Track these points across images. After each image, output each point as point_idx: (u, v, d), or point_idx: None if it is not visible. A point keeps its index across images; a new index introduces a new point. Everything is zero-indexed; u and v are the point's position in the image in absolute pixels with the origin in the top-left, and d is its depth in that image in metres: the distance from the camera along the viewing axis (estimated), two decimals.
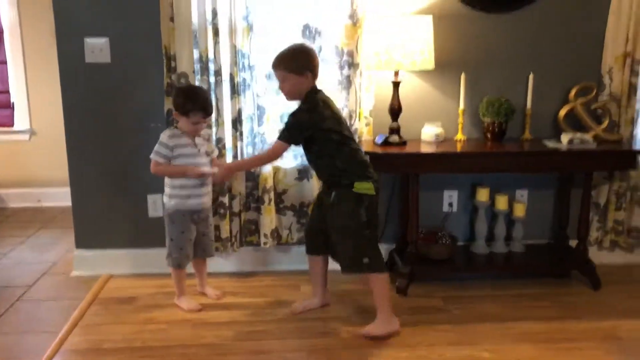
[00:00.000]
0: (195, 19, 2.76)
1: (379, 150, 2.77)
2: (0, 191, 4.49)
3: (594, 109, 2.96)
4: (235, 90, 2.83)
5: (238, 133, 2.88)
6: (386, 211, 3.08)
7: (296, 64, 2.36)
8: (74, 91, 2.90)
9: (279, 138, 2.41)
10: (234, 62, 2.80)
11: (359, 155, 2.43)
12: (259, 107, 2.92)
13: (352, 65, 2.84)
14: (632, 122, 2.99)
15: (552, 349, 2.33)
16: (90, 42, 2.83)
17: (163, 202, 2.67)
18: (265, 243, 3.00)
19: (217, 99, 2.82)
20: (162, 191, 2.68)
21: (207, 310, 2.67)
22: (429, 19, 2.77)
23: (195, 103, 2.49)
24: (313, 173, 2.92)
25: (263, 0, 2.82)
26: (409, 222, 2.85)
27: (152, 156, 2.55)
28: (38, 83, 4.33)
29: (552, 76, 3.00)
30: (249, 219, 3.03)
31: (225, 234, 2.95)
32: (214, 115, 2.80)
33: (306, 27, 2.85)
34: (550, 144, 2.84)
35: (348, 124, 2.65)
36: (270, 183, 2.94)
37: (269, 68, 2.84)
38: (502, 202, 3.03)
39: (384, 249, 2.88)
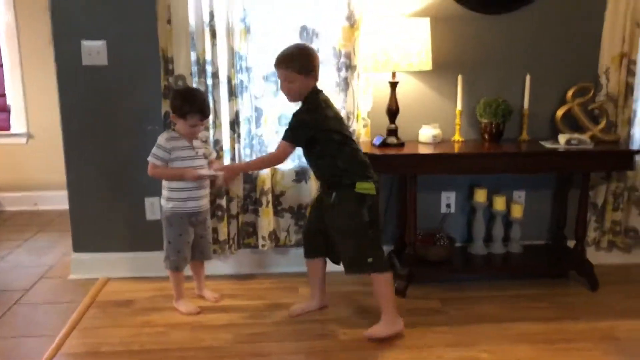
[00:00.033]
0: (192, 21, 2.76)
1: (377, 151, 2.77)
2: None
3: (591, 109, 2.97)
4: (232, 92, 2.83)
5: (236, 135, 2.88)
6: (384, 212, 3.08)
7: (299, 64, 2.36)
8: (71, 94, 2.89)
9: (284, 138, 2.40)
10: (232, 64, 2.80)
11: (359, 156, 2.43)
12: (256, 109, 2.92)
13: (350, 67, 2.84)
14: (629, 123, 2.99)
15: (550, 350, 2.34)
16: (87, 44, 2.82)
17: (161, 204, 2.67)
18: (263, 245, 3.00)
19: (214, 101, 2.82)
20: (159, 194, 2.67)
21: (205, 313, 2.66)
22: (426, 21, 2.77)
23: (192, 105, 2.49)
24: (311, 175, 2.91)
25: (260, 2, 2.82)
26: (407, 224, 2.85)
27: (150, 159, 2.54)
28: (35, 86, 4.32)
29: (549, 77, 3.01)
30: (246, 221, 3.03)
31: (223, 236, 2.95)
32: (211, 118, 2.79)
33: (304, 29, 2.85)
34: (548, 144, 2.84)
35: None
36: (268, 185, 2.93)
37: (266, 70, 2.86)
38: (499, 203, 3.03)
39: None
